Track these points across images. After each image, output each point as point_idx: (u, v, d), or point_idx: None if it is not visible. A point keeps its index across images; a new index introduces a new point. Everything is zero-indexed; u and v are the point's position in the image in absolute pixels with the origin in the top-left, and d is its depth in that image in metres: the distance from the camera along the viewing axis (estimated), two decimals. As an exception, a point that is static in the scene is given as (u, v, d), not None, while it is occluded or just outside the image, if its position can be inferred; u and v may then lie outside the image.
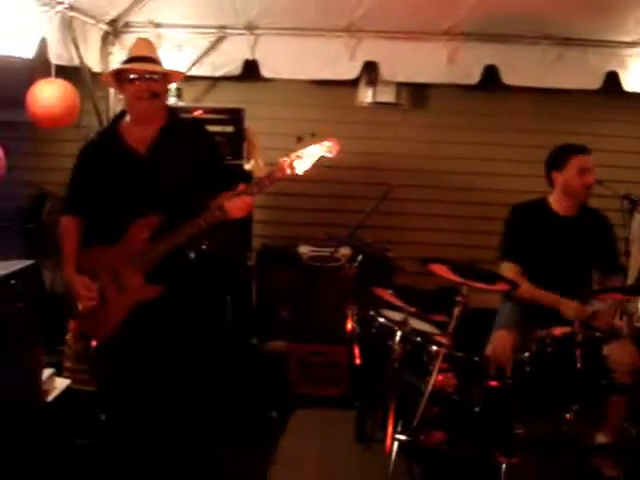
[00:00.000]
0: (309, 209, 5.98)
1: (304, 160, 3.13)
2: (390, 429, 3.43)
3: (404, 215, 5.94)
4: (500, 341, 3.82)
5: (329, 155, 3.16)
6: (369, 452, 3.91)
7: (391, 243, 5.46)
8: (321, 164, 3.19)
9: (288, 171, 3.12)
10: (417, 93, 5.98)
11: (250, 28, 5.32)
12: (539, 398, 3.36)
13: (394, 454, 3.30)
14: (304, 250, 5.42)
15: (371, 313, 4.00)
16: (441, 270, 3.50)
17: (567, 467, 3.13)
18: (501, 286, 3.55)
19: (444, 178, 6.00)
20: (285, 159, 3.13)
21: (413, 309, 3.86)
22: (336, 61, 5.40)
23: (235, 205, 3.15)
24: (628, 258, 4.37)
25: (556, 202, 4.05)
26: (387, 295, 4.08)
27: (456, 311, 3.40)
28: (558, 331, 3.39)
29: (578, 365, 3.24)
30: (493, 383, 3.46)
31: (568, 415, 3.20)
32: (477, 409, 3.43)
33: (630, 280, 4.45)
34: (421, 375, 3.54)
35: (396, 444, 3.31)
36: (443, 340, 3.52)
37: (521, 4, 4.90)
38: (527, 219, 4.07)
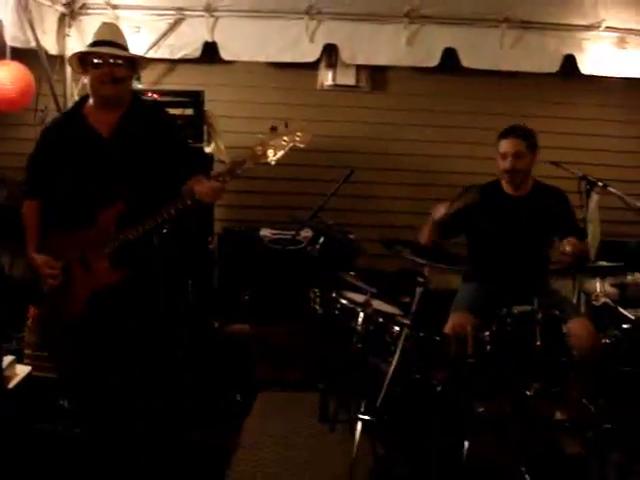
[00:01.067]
0: (270, 192, 5.96)
1: (277, 150, 3.12)
2: (354, 410, 3.46)
3: (365, 197, 5.96)
4: (458, 319, 3.85)
5: (301, 146, 3.16)
6: (333, 433, 3.94)
7: (353, 225, 5.49)
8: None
9: (261, 160, 3.12)
10: (377, 76, 5.99)
11: (209, 10, 5.26)
12: (500, 376, 3.41)
13: (358, 434, 3.34)
14: (265, 233, 5.41)
15: (333, 295, 4.01)
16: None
17: (528, 445, 3.18)
18: None
19: (405, 160, 6.03)
20: (258, 148, 3.12)
21: (375, 290, 3.88)
22: (296, 44, 5.38)
23: (204, 190, 3.16)
24: (585, 239, 4.45)
25: (505, 183, 4.09)
26: (349, 277, 4.10)
27: (418, 292, 3.44)
28: (518, 310, 3.44)
29: (538, 343, 3.30)
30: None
31: (529, 393, 3.26)
32: (439, 388, 3.48)
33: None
34: (384, 355, 3.58)
35: (360, 424, 3.35)
36: (405, 321, 3.55)
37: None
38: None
